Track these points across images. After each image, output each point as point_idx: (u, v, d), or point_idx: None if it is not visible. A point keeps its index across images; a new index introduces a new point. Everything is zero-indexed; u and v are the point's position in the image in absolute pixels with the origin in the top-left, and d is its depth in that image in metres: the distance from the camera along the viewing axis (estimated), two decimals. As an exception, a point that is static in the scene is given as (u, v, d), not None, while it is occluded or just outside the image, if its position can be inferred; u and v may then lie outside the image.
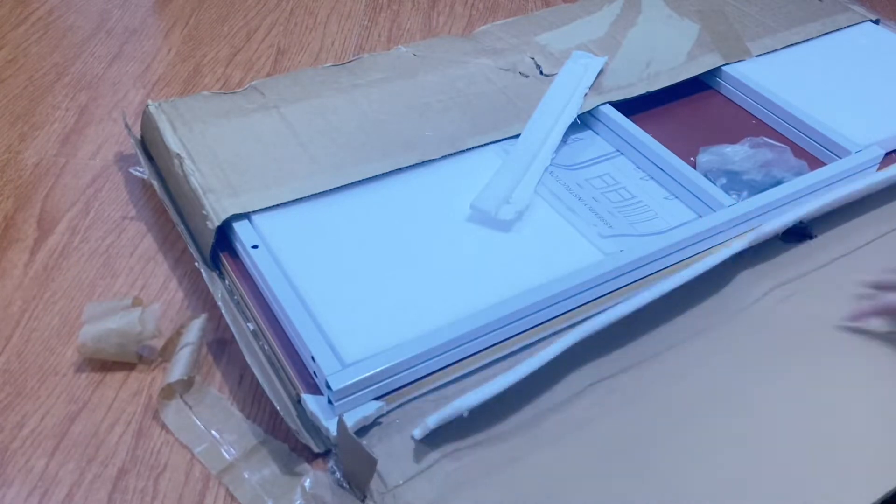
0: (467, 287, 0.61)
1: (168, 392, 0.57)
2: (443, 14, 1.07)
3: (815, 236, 0.73)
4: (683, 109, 0.85)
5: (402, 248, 0.64)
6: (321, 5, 1.06)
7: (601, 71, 0.84)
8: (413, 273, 0.62)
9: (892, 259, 0.71)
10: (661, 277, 0.64)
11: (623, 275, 0.63)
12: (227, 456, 0.54)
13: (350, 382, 0.53)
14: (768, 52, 0.90)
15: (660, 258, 0.64)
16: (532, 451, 0.54)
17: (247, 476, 0.53)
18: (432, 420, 0.52)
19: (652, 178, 0.76)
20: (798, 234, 0.73)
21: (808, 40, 0.93)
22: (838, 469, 0.53)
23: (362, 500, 0.51)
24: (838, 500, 0.51)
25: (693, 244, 0.66)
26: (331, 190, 0.68)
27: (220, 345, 0.61)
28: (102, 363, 0.59)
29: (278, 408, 0.53)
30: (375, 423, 0.55)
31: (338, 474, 0.53)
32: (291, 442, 0.54)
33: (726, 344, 0.62)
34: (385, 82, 0.80)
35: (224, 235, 0.65)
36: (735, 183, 0.73)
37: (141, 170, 0.71)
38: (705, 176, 0.73)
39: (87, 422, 0.56)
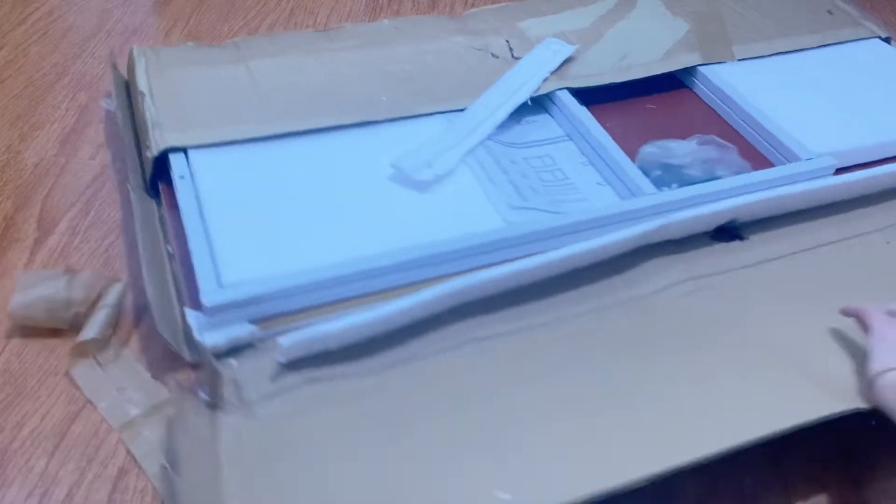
0: (367, 236, 0.64)
1: (80, 350, 0.59)
2: (443, 14, 1.08)
3: (746, 238, 0.72)
4: (654, 104, 0.85)
5: (318, 195, 0.68)
6: (321, 5, 1.07)
7: (571, 59, 0.85)
8: (320, 217, 0.65)
9: (820, 270, 0.69)
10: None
11: (521, 245, 0.65)
12: (130, 412, 0.57)
13: (222, 302, 0.57)
14: (755, 58, 0.89)
15: (560, 235, 0.65)
16: (386, 391, 0.57)
17: (146, 434, 0.55)
18: (286, 341, 0.56)
19: (591, 164, 0.76)
20: (728, 233, 0.72)
21: (803, 50, 0.91)
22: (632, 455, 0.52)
23: (213, 409, 0.55)
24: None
25: (598, 227, 0.66)
26: (273, 137, 0.72)
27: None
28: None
29: (155, 314, 0.57)
30: (250, 345, 0.59)
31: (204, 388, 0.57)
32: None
33: (611, 325, 0.62)
34: (357, 49, 0.85)
35: (165, 167, 0.70)
36: (671, 176, 0.73)
37: (110, 101, 0.78)
38: (641, 167, 0.74)
39: (87, 422, 0.57)
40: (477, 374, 0.58)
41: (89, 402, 0.57)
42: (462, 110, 0.78)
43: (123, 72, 0.83)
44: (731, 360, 0.59)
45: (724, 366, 0.59)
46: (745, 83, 0.84)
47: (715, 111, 0.84)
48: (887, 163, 0.75)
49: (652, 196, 0.69)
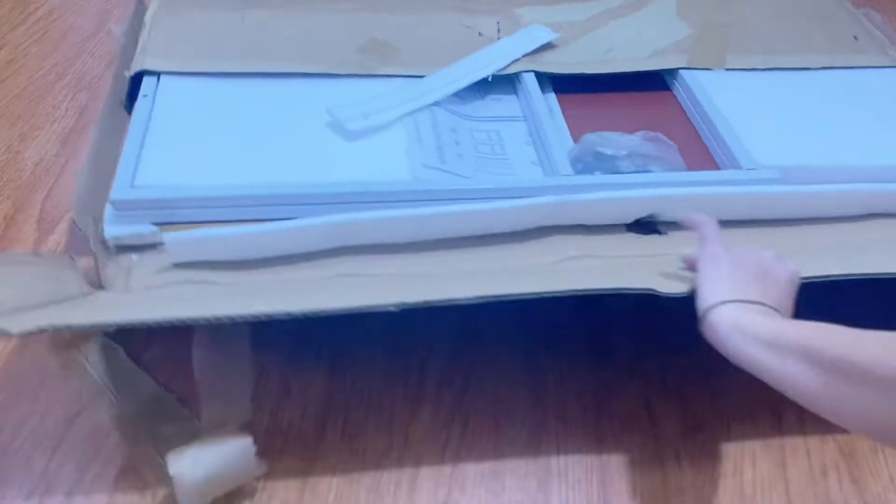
0: (283, 170, 0.69)
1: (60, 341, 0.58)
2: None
3: (664, 233, 0.71)
4: (630, 101, 0.84)
5: (258, 129, 0.73)
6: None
7: (554, 46, 0.87)
8: (250, 147, 0.71)
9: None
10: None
11: (418, 200, 0.67)
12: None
13: (127, 198, 0.64)
14: (748, 70, 0.86)
15: (461, 199, 0.67)
16: (250, 302, 0.61)
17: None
18: (170, 237, 0.62)
19: (533, 144, 0.78)
20: (644, 226, 0.71)
21: (807, 69, 0.87)
22: None
23: (97, 288, 0.62)
24: None
25: (499, 197, 0.67)
26: (242, 75, 0.79)
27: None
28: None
29: (77, 202, 0.64)
30: (153, 246, 0.65)
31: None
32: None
33: (486, 280, 0.64)
34: (353, 11, 0.90)
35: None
36: (600, 164, 0.73)
37: (118, 27, 0.86)
38: (578, 152, 0.74)
39: (87, 422, 0.57)
40: (338, 295, 0.61)
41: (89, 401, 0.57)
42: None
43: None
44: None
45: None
46: (724, 91, 0.82)
47: (686, 114, 0.82)
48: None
49: (564, 177, 0.70)
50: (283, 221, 0.64)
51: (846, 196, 0.70)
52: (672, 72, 0.86)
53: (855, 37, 0.92)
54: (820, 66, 0.87)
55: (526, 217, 0.67)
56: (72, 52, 0.91)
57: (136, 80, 0.78)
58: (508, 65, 0.83)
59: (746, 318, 0.48)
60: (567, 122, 0.79)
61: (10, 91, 0.84)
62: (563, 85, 0.84)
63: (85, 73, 0.85)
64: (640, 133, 0.76)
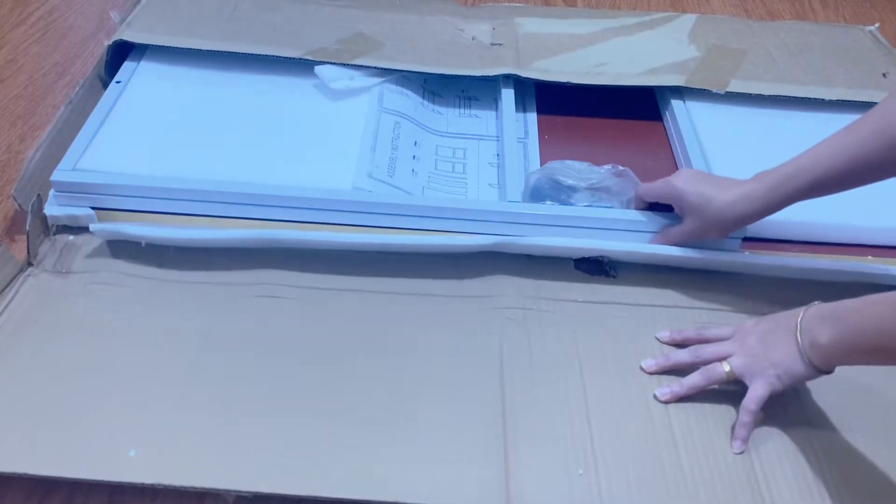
0: (232, 166, 0.68)
1: None
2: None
3: (615, 276, 0.67)
4: (617, 130, 0.80)
5: (221, 123, 0.73)
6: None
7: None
8: (207, 141, 0.70)
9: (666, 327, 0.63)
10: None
11: (354, 212, 0.66)
12: None
13: (67, 181, 0.65)
14: (747, 105, 0.80)
15: (395, 213, 0.66)
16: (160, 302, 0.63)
17: None
18: (94, 226, 0.63)
19: (496, 166, 0.75)
20: (596, 265, 0.68)
21: (818, 111, 0.79)
22: None
23: (28, 265, 0.65)
24: None
25: (434, 216, 0.66)
26: (219, 62, 0.79)
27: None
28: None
29: (21, 176, 0.67)
30: (87, 229, 0.66)
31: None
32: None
33: (416, 311, 0.63)
34: (345, 8, 0.88)
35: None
36: (556, 194, 0.69)
37: (117, 14, 0.86)
38: (538, 180, 0.71)
39: None
40: (258, 320, 0.62)
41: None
42: (402, 71, 0.80)
43: None
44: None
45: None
46: (717, 130, 0.76)
47: (670, 149, 0.77)
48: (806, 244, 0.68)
49: (508, 204, 0.67)
50: (206, 229, 0.65)
51: (811, 269, 0.65)
52: (667, 102, 0.80)
53: (884, 74, 0.84)
54: (833, 98, 0.80)
55: (455, 249, 0.66)
56: (72, 52, 0.91)
57: (113, 59, 0.79)
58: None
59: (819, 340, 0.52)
60: (543, 147, 0.76)
61: (10, 91, 0.85)
62: (548, 106, 0.81)
63: (85, 73, 0.83)
64: (608, 166, 0.71)
